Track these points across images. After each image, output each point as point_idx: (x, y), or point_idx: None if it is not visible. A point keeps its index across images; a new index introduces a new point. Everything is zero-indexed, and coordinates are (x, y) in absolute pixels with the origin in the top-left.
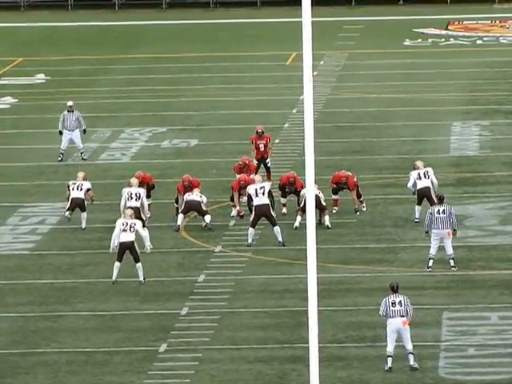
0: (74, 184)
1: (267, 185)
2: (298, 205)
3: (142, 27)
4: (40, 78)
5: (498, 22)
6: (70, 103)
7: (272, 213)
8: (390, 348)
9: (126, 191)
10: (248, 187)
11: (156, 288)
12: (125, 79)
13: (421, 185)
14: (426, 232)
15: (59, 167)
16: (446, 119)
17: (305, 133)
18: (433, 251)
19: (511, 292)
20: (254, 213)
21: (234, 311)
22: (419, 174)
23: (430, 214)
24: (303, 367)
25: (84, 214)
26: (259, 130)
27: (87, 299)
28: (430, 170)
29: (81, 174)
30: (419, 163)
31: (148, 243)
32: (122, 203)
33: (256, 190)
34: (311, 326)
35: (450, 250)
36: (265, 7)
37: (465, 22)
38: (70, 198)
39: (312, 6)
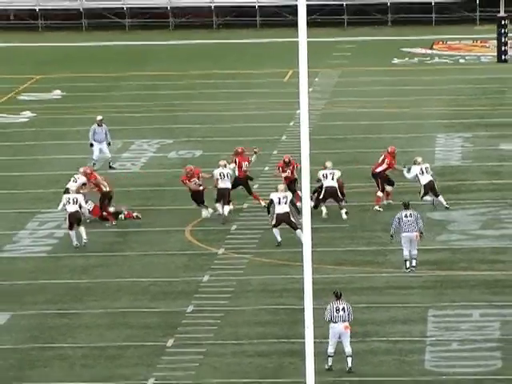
0: (69, 199)
1: (289, 195)
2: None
3: (151, 47)
4: (56, 93)
5: (479, 42)
6: (99, 117)
7: (292, 219)
8: (331, 350)
9: (65, 196)
10: (272, 194)
11: (164, 287)
12: (135, 95)
13: (425, 179)
14: (392, 236)
15: (70, 176)
16: (431, 132)
17: (301, 144)
18: (406, 252)
19: (491, 291)
20: (275, 218)
21: (235, 309)
22: (421, 169)
23: (398, 218)
24: (300, 361)
25: (82, 228)
26: (286, 159)
27: (100, 298)
28: (428, 165)
29: (73, 188)
30: (419, 159)
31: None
32: (60, 207)
33: (279, 199)
34: (307, 322)
35: (414, 251)
36: (264, 28)
37: (448, 42)
38: (68, 214)
39: (307, 27)
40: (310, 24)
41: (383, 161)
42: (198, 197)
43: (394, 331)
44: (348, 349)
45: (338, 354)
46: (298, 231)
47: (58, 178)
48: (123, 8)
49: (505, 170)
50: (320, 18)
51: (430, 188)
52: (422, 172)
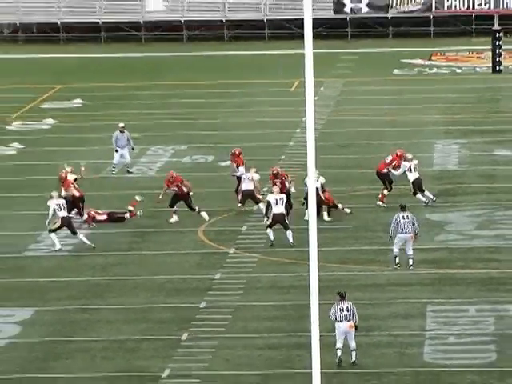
0: (58, 205)
1: (284, 196)
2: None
3: (165, 58)
4: (77, 102)
5: (474, 53)
6: (121, 124)
7: (286, 219)
8: (340, 344)
9: (53, 202)
10: (269, 196)
11: (178, 284)
12: (150, 104)
13: (413, 177)
14: (391, 237)
15: (94, 180)
16: (430, 138)
17: (307, 150)
18: (396, 250)
19: (486, 288)
20: (272, 218)
21: (246, 305)
22: (410, 166)
23: (396, 219)
24: (306, 353)
25: (82, 236)
26: (274, 171)
27: (119, 294)
28: (416, 161)
29: (54, 194)
30: (409, 155)
31: None
32: (51, 214)
33: (276, 200)
34: (313, 317)
35: (410, 251)
36: (272, 41)
37: (446, 54)
38: (60, 218)
39: (313, 39)
40: (316, 36)
41: (391, 162)
42: (177, 201)
43: (394, 325)
44: (353, 344)
45: (343, 347)
46: (289, 232)
47: (79, 182)
48: (139, 22)
49: (499, 173)
50: (325, 30)
51: (418, 185)
52: (411, 169)
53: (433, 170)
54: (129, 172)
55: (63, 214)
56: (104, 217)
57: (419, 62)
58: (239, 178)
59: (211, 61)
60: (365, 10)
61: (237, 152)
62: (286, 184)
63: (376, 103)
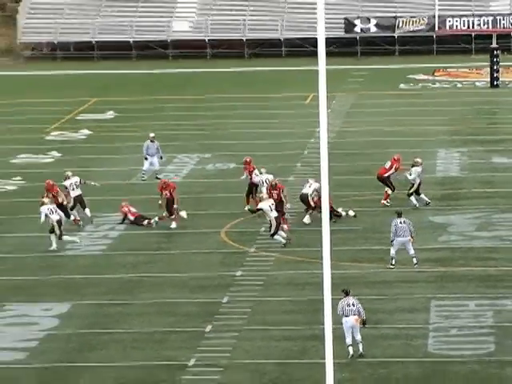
0: (49, 210)
1: (272, 201)
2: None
3: (191, 74)
4: (110, 114)
5: (474, 69)
6: (151, 135)
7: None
8: (349, 341)
9: (45, 208)
10: (261, 203)
11: (202, 281)
12: (177, 115)
13: (420, 179)
14: (392, 241)
15: (124, 185)
16: (433, 147)
17: (320, 158)
18: (393, 252)
19: (485, 284)
20: (275, 222)
21: (264, 300)
22: (421, 170)
23: (395, 225)
24: (320, 344)
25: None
26: (273, 183)
27: (148, 290)
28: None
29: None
30: (419, 159)
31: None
32: (43, 219)
33: (270, 206)
34: (326, 311)
35: (412, 251)
36: (288, 58)
37: (448, 70)
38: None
39: (326, 56)
40: (328, 54)
41: (391, 166)
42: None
43: (401, 319)
44: (358, 336)
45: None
46: (280, 234)
47: (111, 187)
48: (167, 40)
49: (496, 179)
50: (337, 49)
51: (419, 187)
52: (419, 174)
53: (436, 177)
54: (157, 178)
55: (56, 217)
56: (132, 218)
57: (423, 77)
58: (252, 184)
59: (232, 76)
60: (373, 29)
61: (248, 160)
62: (282, 197)
63: (383, 115)
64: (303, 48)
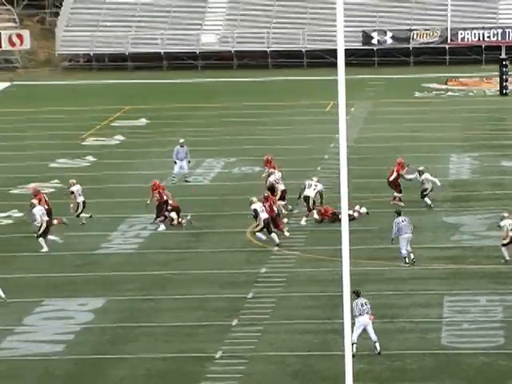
0: (42, 211)
1: (261, 204)
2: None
3: (218, 83)
4: (142, 121)
5: (484, 79)
6: (181, 140)
7: (270, 224)
8: (355, 339)
9: (38, 209)
10: (254, 205)
11: (229, 278)
12: (205, 122)
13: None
14: (392, 239)
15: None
16: (446, 152)
17: (340, 162)
18: (404, 251)
19: (495, 281)
20: (262, 223)
21: (287, 295)
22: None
23: (397, 223)
24: (340, 337)
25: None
26: (265, 194)
27: (178, 286)
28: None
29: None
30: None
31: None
32: (38, 219)
33: (262, 208)
34: (345, 306)
35: (409, 248)
36: (309, 68)
37: (460, 79)
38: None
39: (345, 67)
40: (347, 64)
41: (398, 171)
42: (159, 208)
43: (415, 314)
44: (374, 336)
45: (366, 338)
46: (273, 234)
47: (144, 189)
48: (196, 52)
49: (506, 182)
50: (355, 59)
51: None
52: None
53: (449, 180)
54: (186, 181)
55: (46, 218)
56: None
57: (437, 86)
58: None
59: (257, 85)
60: (389, 41)
61: (269, 158)
62: (274, 208)
63: (399, 122)
64: (323, 59)
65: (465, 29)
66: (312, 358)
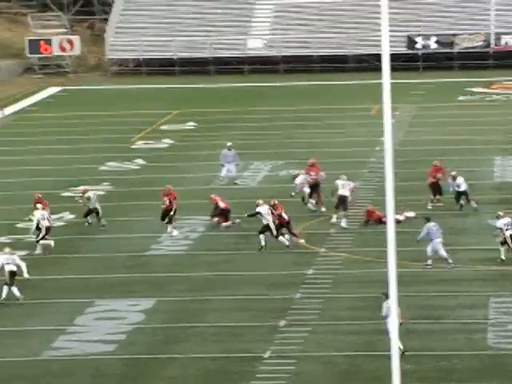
0: (42, 216)
1: (268, 207)
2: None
3: (265, 88)
4: (190, 125)
5: None
6: (229, 143)
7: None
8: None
9: (39, 213)
10: (258, 208)
11: (276, 279)
12: (252, 126)
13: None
14: (418, 241)
15: (204, 190)
16: (490, 154)
17: (385, 165)
18: (431, 252)
19: None
20: (273, 226)
21: (334, 296)
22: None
23: (428, 229)
24: (386, 338)
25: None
26: (271, 203)
27: (227, 287)
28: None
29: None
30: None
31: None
32: (37, 221)
33: (268, 212)
34: (392, 307)
35: (444, 253)
36: (353, 72)
37: (503, 83)
38: (45, 228)
39: (390, 71)
40: (392, 69)
41: (429, 174)
42: (164, 214)
43: (461, 315)
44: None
45: (414, 332)
46: (280, 237)
47: (192, 192)
48: (243, 57)
49: None
50: (400, 64)
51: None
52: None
53: (493, 182)
54: (235, 184)
55: (47, 223)
56: (223, 206)
57: (480, 90)
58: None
59: (303, 89)
60: (433, 46)
61: (314, 161)
62: (284, 215)
63: (443, 125)
64: (369, 63)
65: (508, 33)
66: (359, 358)
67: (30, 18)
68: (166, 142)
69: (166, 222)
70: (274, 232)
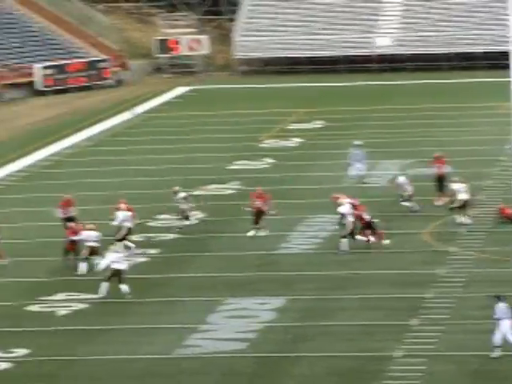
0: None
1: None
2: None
3: (394, 86)
4: (319, 123)
5: None
6: (357, 142)
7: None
8: (499, 342)
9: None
10: (341, 207)
11: (407, 278)
12: (381, 124)
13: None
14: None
15: (334, 189)
16: None
17: None
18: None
19: None
20: (350, 226)
21: (466, 296)
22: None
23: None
24: None
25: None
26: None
27: (357, 286)
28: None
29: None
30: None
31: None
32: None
33: (351, 211)
34: None
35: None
36: (477, 70)
37: None
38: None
39: None
40: None
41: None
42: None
43: None
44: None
45: None
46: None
47: (323, 191)
48: (371, 55)
49: None
50: None
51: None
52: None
53: None
54: (363, 183)
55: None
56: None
57: None
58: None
59: (431, 87)
60: None
61: (440, 155)
62: (364, 216)
63: None
64: (497, 61)
65: None
66: (491, 358)
67: (158, 18)
68: (295, 141)
69: (254, 224)
70: (347, 231)
